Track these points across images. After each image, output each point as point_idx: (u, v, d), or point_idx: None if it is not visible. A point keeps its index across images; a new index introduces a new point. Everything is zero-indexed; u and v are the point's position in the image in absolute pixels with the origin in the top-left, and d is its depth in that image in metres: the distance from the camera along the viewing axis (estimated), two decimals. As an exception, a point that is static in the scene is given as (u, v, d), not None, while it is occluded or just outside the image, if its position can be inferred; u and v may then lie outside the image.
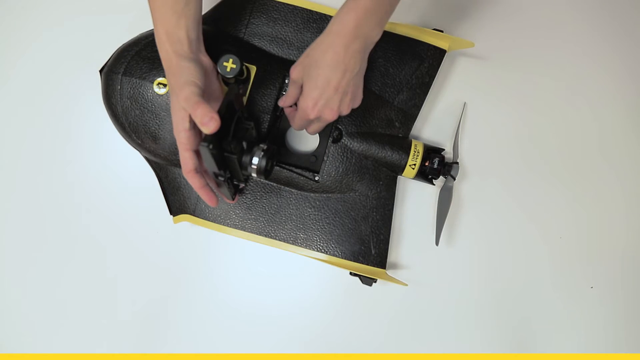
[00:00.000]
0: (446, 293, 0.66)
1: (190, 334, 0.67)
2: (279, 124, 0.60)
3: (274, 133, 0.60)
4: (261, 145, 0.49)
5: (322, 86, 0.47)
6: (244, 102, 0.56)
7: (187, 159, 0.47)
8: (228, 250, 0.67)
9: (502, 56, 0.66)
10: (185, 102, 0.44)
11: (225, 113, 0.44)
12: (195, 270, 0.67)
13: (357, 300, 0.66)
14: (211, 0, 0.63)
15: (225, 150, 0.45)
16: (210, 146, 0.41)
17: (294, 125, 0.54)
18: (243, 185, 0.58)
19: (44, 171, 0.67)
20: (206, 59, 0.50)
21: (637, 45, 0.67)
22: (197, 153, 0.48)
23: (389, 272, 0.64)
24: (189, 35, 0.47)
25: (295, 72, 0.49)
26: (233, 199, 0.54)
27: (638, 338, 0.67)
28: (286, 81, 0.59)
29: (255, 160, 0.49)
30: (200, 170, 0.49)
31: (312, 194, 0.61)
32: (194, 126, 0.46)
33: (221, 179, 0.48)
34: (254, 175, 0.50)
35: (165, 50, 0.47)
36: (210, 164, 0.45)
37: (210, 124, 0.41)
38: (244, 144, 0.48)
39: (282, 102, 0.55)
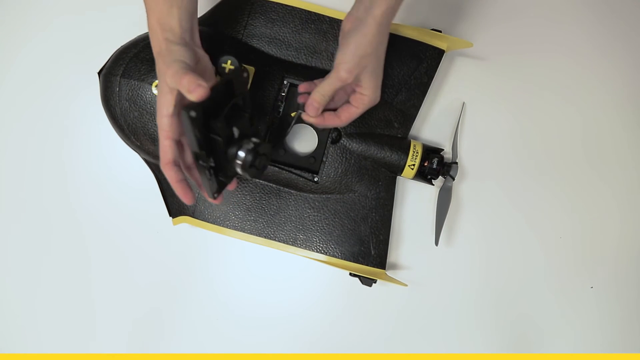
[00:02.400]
0: (446, 293, 0.66)
1: (191, 334, 0.67)
2: (278, 124, 0.60)
3: (273, 134, 0.60)
4: (253, 139, 0.44)
5: (380, 79, 0.49)
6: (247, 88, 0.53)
7: (166, 148, 0.45)
8: (228, 251, 0.67)
9: (501, 56, 0.66)
10: (172, 78, 0.42)
11: (224, 95, 0.41)
12: (195, 271, 0.67)
13: (356, 300, 0.66)
14: (209, 1, 0.63)
15: (211, 130, 0.42)
16: (193, 114, 0.38)
17: (339, 121, 0.52)
18: (231, 184, 0.50)
19: (43, 174, 0.67)
20: (202, 52, 0.48)
21: (636, 47, 0.67)
22: (179, 144, 0.46)
23: (389, 273, 0.64)
24: (181, 24, 0.45)
25: (350, 71, 0.47)
26: (214, 197, 0.47)
27: None
28: (285, 82, 0.59)
29: (241, 153, 0.44)
30: (179, 164, 0.47)
31: (311, 195, 0.61)
32: (177, 113, 0.44)
33: (203, 164, 0.43)
34: (239, 171, 0.45)
35: (157, 38, 0.45)
36: (191, 140, 0.41)
37: (197, 91, 0.39)
38: (235, 132, 0.44)
39: (304, 88, 0.54)
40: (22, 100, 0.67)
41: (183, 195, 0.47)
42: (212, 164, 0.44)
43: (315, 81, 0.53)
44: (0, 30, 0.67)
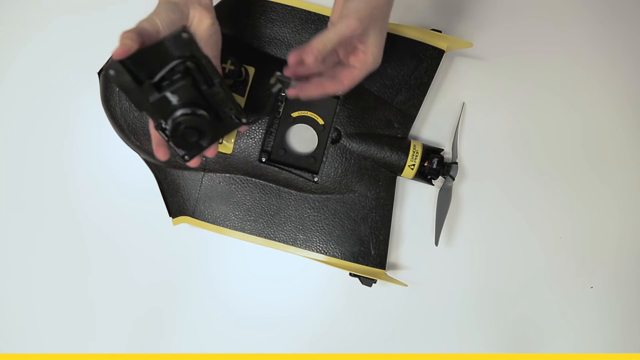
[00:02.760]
0: (446, 293, 0.66)
1: (191, 334, 0.67)
2: (278, 125, 0.61)
3: (273, 135, 0.60)
4: (186, 110, 0.41)
5: (384, 41, 0.45)
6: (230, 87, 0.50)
7: None
8: (228, 252, 0.67)
9: (501, 56, 0.66)
10: None
11: (163, 58, 0.40)
12: (195, 271, 0.67)
13: (356, 300, 0.66)
14: (209, 1, 0.63)
15: (142, 91, 0.40)
16: (111, 72, 0.38)
17: (341, 86, 0.46)
18: (208, 150, 0.47)
19: (42, 174, 0.67)
20: (200, 13, 0.45)
21: (637, 48, 0.67)
22: None
23: (389, 273, 0.64)
24: None
25: (362, 21, 0.43)
26: (184, 159, 0.45)
27: None
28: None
29: (176, 114, 0.41)
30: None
31: (311, 195, 0.61)
32: None
33: (154, 125, 0.43)
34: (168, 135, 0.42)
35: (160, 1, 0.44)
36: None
37: (117, 49, 0.38)
38: (173, 98, 0.42)
39: (294, 57, 0.45)
40: (22, 100, 0.67)
41: (156, 147, 0.46)
42: (164, 125, 0.43)
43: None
44: (0, 30, 0.67)
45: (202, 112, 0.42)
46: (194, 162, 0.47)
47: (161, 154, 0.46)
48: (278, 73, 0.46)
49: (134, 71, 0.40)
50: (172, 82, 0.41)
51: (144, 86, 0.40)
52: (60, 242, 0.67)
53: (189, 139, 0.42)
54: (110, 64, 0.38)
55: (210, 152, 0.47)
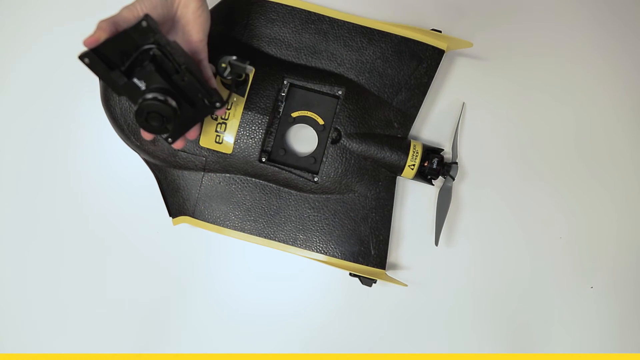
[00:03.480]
0: (446, 293, 0.66)
1: (191, 334, 0.67)
2: (278, 125, 0.61)
3: (273, 135, 0.60)
4: (161, 97, 0.43)
5: None
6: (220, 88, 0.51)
7: None
8: (228, 252, 0.67)
9: (501, 56, 0.66)
10: None
11: (129, 46, 0.42)
12: (195, 270, 0.67)
13: (356, 300, 0.66)
14: (209, 1, 0.62)
15: (114, 77, 0.43)
16: (86, 60, 0.41)
17: None
18: (189, 132, 0.50)
19: (44, 174, 0.67)
20: None
21: (637, 49, 0.67)
22: None
23: (389, 273, 0.64)
24: None
25: None
26: (168, 142, 0.49)
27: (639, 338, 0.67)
28: (285, 82, 0.59)
29: (140, 99, 0.43)
30: None
31: (311, 195, 0.61)
32: None
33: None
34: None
35: None
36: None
37: (88, 36, 0.41)
38: (140, 84, 0.44)
39: None
40: (23, 100, 0.67)
41: (142, 131, 0.49)
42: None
43: None
44: (3, 32, 0.67)
45: (163, 97, 0.43)
46: (178, 144, 0.50)
47: (146, 135, 0.50)
48: (233, 57, 0.49)
49: (108, 58, 0.42)
50: (141, 69, 0.43)
51: (114, 73, 0.42)
52: (59, 242, 0.67)
53: (152, 122, 0.44)
54: (84, 52, 0.41)
55: (191, 134, 0.51)
